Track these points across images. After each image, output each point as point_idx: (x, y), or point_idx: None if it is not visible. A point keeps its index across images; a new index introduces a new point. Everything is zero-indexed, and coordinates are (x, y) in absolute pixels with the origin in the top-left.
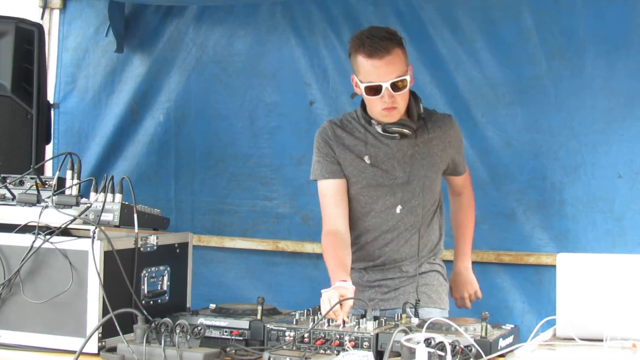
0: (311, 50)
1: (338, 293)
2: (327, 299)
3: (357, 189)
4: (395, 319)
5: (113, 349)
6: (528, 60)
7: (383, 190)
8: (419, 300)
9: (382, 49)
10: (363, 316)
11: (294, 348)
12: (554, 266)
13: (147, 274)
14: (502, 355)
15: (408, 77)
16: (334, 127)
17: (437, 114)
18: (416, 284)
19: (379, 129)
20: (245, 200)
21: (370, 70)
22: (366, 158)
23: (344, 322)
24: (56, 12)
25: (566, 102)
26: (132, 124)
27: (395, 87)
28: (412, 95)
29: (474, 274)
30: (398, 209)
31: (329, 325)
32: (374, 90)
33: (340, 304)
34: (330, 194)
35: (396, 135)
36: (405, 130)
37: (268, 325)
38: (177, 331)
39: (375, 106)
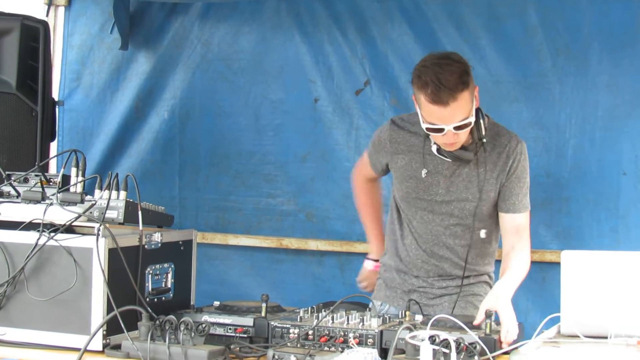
0: (316, 47)
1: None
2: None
3: (402, 193)
4: (400, 317)
5: (117, 347)
6: (533, 57)
7: (422, 203)
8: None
9: (446, 97)
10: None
11: (298, 345)
12: (558, 263)
13: (151, 271)
14: (506, 353)
15: (473, 118)
16: (395, 128)
17: (505, 135)
18: (461, 294)
19: (434, 148)
20: (250, 198)
21: (432, 113)
22: (423, 172)
23: (347, 315)
24: (61, 10)
25: (571, 98)
26: (136, 122)
27: (459, 127)
28: (477, 114)
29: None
30: (438, 225)
31: (333, 322)
32: (437, 130)
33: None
34: (367, 165)
35: (451, 159)
36: (462, 157)
37: (272, 323)
38: (182, 328)
39: (437, 140)
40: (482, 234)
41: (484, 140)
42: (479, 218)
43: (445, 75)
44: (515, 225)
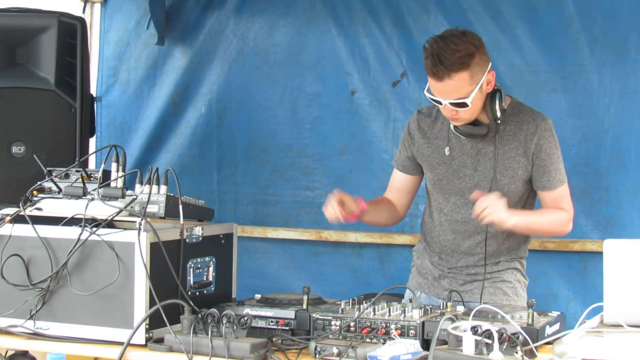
0: (352, 40)
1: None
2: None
3: (433, 181)
4: (441, 307)
5: (160, 340)
6: (570, 46)
7: (453, 188)
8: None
9: (442, 73)
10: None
11: (340, 337)
12: (599, 253)
13: (192, 265)
14: (549, 343)
15: (470, 99)
16: (421, 117)
17: (528, 113)
18: (490, 279)
19: (452, 126)
20: (288, 191)
21: (431, 84)
22: (447, 150)
23: (389, 307)
24: (97, 6)
25: (609, 87)
26: (174, 116)
27: (455, 105)
28: (493, 94)
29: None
30: (470, 209)
31: (374, 314)
32: (436, 102)
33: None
34: (396, 181)
35: (463, 136)
36: (470, 137)
37: (314, 315)
38: (224, 322)
39: (442, 111)
40: None
41: (498, 121)
42: (507, 196)
43: (446, 53)
44: (553, 199)
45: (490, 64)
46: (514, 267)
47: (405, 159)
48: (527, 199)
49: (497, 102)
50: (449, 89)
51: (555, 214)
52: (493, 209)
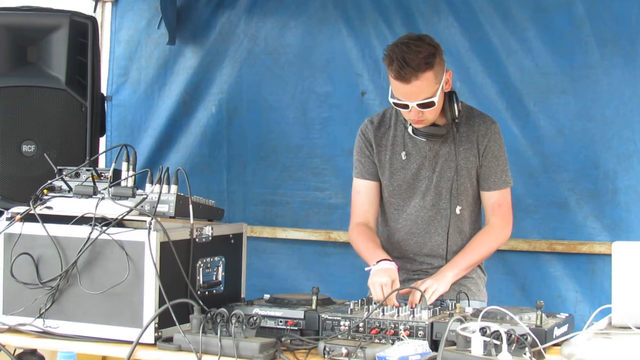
0: (362, 41)
1: (389, 277)
2: (379, 284)
3: (391, 188)
4: (450, 309)
5: (169, 339)
6: (580, 48)
7: (413, 190)
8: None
9: (409, 75)
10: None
11: (349, 337)
12: (607, 255)
13: (202, 265)
14: (557, 344)
15: (436, 98)
16: (373, 126)
17: (479, 116)
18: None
19: (410, 130)
20: (297, 191)
21: (397, 89)
22: (403, 154)
23: (397, 308)
24: (108, 5)
25: (619, 90)
26: (184, 116)
27: (422, 106)
28: (449, 96)
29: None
30: (429, 210)
31: (383, 314)
32: (402, 106)
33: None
34: (364, 192)
35: (423, 138)
36: (432, 138)
37: (323, 315)
38: (233, 321)
39: (405, 116)
40: (457, 210)
41: (456, 120)
42: (458, 193)
43: (410, 55)
44: (495, 202)
45: (446, 64)
46: None
47: (370, 165)
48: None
49: (455, 102)
50: (416, 90)
51: (483, 238)
52: (433, 288)
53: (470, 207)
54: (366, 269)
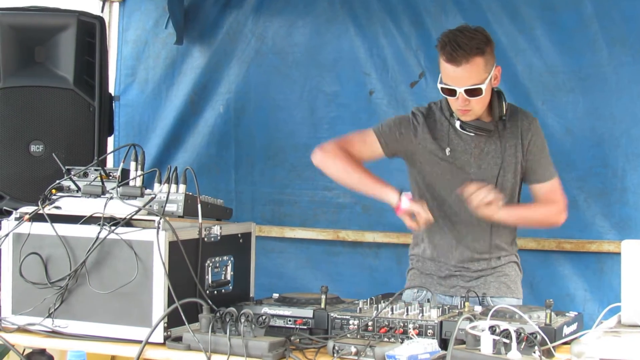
0: (370, 40)
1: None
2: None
3: (432, 179)
4: (459, 307)
5: (179, 339)
6: (589, 47)
7: (456, 183)
8: (484, 294)
9: (460, 57)
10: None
11: (358, 336)
12: (616, 254)
13: (211, 264)
14: (567, 343)
15: (484, 86)
16: (423, 115)
17: (520, 112)
18: (494, 275)
19: (457, 124)
20: (305, 191)
21: (447, 73)
22: (447, 150)
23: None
24: (116, 5)
25: (627, 88)
26: (192, 116)
27: (470, 93)
28: (497, 94)
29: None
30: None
31: (392, 313)
32: (449, 92)
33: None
34: (368, 147)
35: (471, 132)
36: (480, 132)
37: (332, 314)
38: (242, 320)
39: (452, 104)
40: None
41: (504, 118)
42: (504, 189)
43: (463, 39)
44: (549, 190)
45: (496, 59)
46: (513, 261)
47: (395, 141)
48: (517, 193)
49: (504, 100)
50: (466, 75)
51: (545, 206)
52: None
53: (513, 202)
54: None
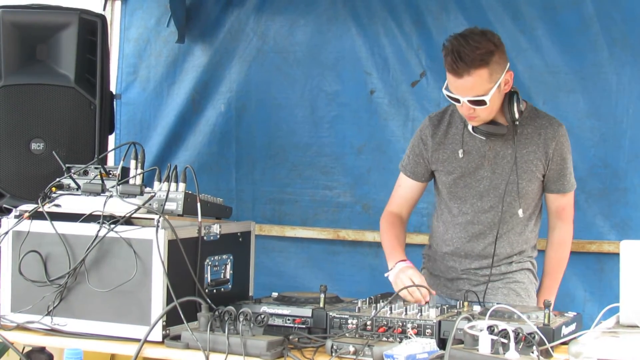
0: (372, 40)
1: (417, 275)
2: (410, 279)
3: (448, 185)
4: (458, 307)
5: (177, 337)
6: (589, 47)
7: (470, 191)
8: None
9: (461, 70)
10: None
11: (357, 336)
12: (616, 254)
13: (210, 263)
14: (565, 343)
15: (488, 97)
16: (434, 123)
17: (546, 118)
18: (504, 280)
19: (470, 127)
20: (306, 190)
21: (450, 82)
22: (460, 152)
23: (405, 306)
24: (118, 3)
25: (628, 88)
26: (193, 114)
27: (474, 102)
28: (511, 96)
29: None
30: (485, 209)
31: (391, 312)
32: (454, 99)
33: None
34: (405, 187)
35: (483, 136)
36: (491, 136)
37: (331, 313)
38: (241, 319)
39: (459, 110)
40: (520, 213)
41: (516, 122)
42: (520, 196)
43: (466, 50)
44: (563, 205)
45: (509, 64)
46: (527, 268)
47: (415, 165)
48: (540, 200)
49: (515, 103)
50: (468, 86)
51: (563, 251)
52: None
53: (531, 209)
54: (385, 274)
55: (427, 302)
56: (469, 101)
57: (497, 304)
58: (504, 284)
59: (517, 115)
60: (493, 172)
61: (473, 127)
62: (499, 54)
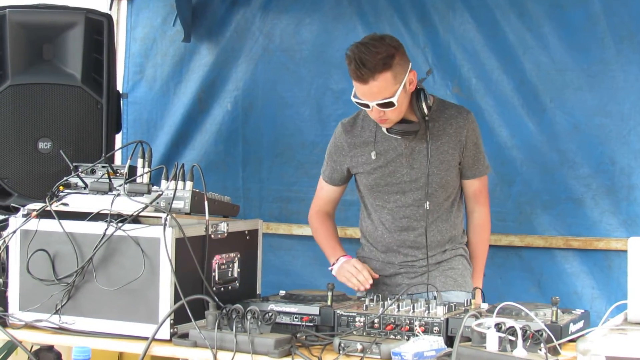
0: None
1: (358, 264)
2: (353, 266)
3: (369, 186)
4: (465, 304)
5: (185, 335)
6: (596, 44)
7: (392, 188)
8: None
9: (366, 76)
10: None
11: (364, 333)
12: (624, 251)
13: (217, 261)
14: (572, 340)
15: (395, 98)
16: (347, 129)
17: (454, 108)
18: (440, 268)
19: (384, 128)
20: (313, 188)
21: (357, 89)
22: (373, 154)
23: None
24: (124, 3)
25: (635, 86)
26: (199, 113)
27: (382, 105)
28: (417, 94)
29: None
30: (410, 206)
31: (399, 310)
32: (363, 105)
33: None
34: (326, 190)
35: (398, 135)
36: (406, 134)
37: (338, 311)
38: (249, 317)
39: (370, 115)
40: (440, 201)
41: (426, 117)
42: (440, 186)
43: (367, 56)
44: (479, 188)
45: (411, 64)
46: (460, 254)
47: (332, 171)
48: (460, 186)
49: (423, 99)
50: (375, 91)
51: (482, 234)
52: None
53: (452, 197)
54: (329, 268)
55: (368, 288)
56: (378, 105)
57: (441, 290)
58: (441, 272)
59: (426, 111)
60: (411, 168)
61: (387, 129)
62: (399, 55)
